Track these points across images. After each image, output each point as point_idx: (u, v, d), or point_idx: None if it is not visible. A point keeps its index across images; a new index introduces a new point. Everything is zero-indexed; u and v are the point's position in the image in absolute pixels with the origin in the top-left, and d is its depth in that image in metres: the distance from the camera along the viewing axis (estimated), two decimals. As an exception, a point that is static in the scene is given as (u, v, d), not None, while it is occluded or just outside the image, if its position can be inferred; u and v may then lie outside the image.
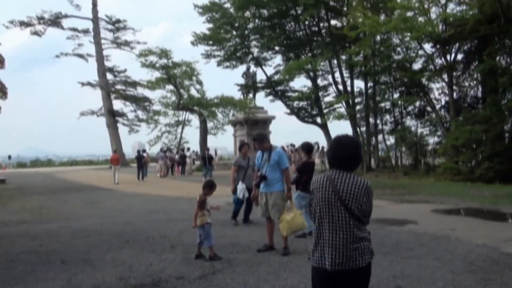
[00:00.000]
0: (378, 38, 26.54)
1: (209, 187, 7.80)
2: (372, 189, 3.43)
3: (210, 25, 34.10)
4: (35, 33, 49.14)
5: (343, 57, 29.76)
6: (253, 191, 8.24)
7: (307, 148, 9.77)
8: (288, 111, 34.16)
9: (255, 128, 40.08)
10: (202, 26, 34.44)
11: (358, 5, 22.45)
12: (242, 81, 39.97)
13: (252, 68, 38.74)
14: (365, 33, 24.46)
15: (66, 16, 50.11)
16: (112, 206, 15.85)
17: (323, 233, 3.35)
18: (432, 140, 27.97)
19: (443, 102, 28.18)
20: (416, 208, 13.65)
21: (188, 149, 35.98)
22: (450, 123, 25.09)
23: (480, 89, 26.36)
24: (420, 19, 23.63)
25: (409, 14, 23.37)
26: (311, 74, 32.52)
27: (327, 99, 33.69)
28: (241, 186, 10.64)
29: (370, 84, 30.52)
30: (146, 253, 8.04)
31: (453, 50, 25.19)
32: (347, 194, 3.27)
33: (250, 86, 38.73)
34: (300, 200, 9.14)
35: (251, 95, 42.48)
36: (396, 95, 29.42)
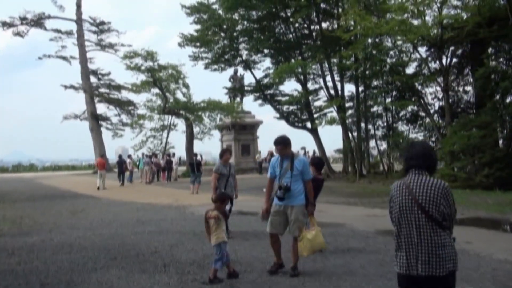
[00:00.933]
0: (369, 41, 25.89)
1: (222, 200, 7.02)
2: (451, 190, 3.33)
3: (198, 27, 33.34)
4: (18, 33, 48.00)
5: (334, 60, 29.15)
6: (264, 203, 7.08)
7: (318, 163, 8.79)
8: (277, 115, 33.42)
9: (243, 133, 39.53)
10: (189, 30, 33.54)
11: (352, 6, 21.78)
12: (229, 84, 39.39)
13: (240, 71, 38.14)
14: (358, 35, 23.88)
15: (49, 17, 49.05)
16: (97, 215, 14.92)
17: (403, 239, 3.33)
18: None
19: (436, 107, 27.72)
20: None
21: (174, 154, 35.07)
22: (446, 128, 24.57)
23: (474, 93, 25.91)
24: (415, 22, 23.10)
25: (404, 16, 22.78)
26: (301, 77, 31.86)
27: (317, 103, 33.18)
28: None
29: (361, 88, 29.91)
30: (136, 274, 7.17)
31: (449, 53, 24.70)
32: (424, 197, 3.24)
33: (237, 89, 38.07)
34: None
35: (238, 99, 41.88)
36: (388, 100, 28.81)
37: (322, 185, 8.38)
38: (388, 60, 27.53)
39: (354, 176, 27.72)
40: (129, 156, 32.42)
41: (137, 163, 32.64)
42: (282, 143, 6.98)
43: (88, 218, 14.37)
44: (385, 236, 9.75)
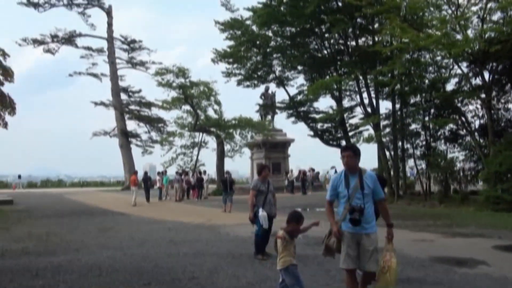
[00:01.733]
0: (408, 56, 24.97)
1: (297, 220, 5.91)
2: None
3: (231, 43, 32.94)
4: (48, 50, 48.50)
5: (370, 76, 28.27)
6: (332, 226, 5.70)
7: (380, 182, 7.70)
8: (311, 133, 32.59)
9: (274, 151, 38.95)
10: (218, 47, 33.45)
11: (392, 20, 20.92)
12: (260, 102, 38.88)
13: (272, 88, 37.69)
14: (398, 50, 22.98)
15: (80, 35, 49.66)
16: (128, 234, 14.22)
17: None
18: (467, 166, 26.09)
19: (476, 125, 26.48)
20: (474, 243, 11.87)
21: (205, 172, 34.53)
22: (488, 147, 23.33)
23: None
24: (457, 36, 22.12)
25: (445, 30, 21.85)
26: (336, 94, 31.04)
27: (352, 121, 32.28)
28: (262, 213, 9.54)
29: (398, 105, 28.82)
30: (174, 303, 6.35)
31: (491, 68, 23.58)
32: None
33: (269, 106, 37.58)
34: None
35: (269, 117, 41.42)
36: (426, 118, 27.68)
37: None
38: (427, 76, 26.51)
39: (391, 197, 26.53)
40: (159, 173, 31.97)
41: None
42: (351, 148, 5.82)
43: (118, 236, 13.68)
44: (442, 264, 8.87)
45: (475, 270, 8.60)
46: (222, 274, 8.06)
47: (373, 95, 28.68)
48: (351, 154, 5.66)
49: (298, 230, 5.90)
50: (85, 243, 12.29)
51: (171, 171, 37.57)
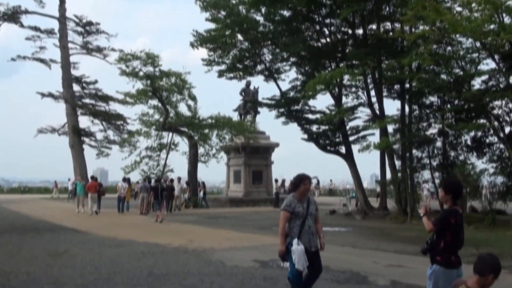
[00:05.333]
0: (434, 46, 23.31)
1: (495, 272, 4.36)
2: None
3: (212, 26, 31.00)
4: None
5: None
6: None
7: (453, 188, 6.05)
8: (305, 136, 30.58)
9: (255, 157, 37.33)
10: (185, 45, 31.51)
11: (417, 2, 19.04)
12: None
13: (254, 84, 35.94)
14: (422, 37, 21.14)
15: (27, 11, 46.79)
16: (88, 261, 11.76)
17: None
18: (500, 180, 24.41)
19: (506, 131, 24.87)
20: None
21: (180, 179, 32.42)
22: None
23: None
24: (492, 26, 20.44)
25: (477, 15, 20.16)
26: (335, 91, 29.15)
27: (353, 123, 30.42)
28: (298, 247, 7.18)
29: (405, 106, 27.06)
30: None
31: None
32: None
33: (251, 104, 35.85)
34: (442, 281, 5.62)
35: (249, 117, 39.59)
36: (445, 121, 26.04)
37: (462, 220, 5.94)
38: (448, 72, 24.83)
39: (403, 215, 24.65)
40: (124, 180, 29.65)
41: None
42: None
43: (76, 266, 11.21)
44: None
45: None
46: None
47: (385, 93, 27.00)
48: None
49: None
50: (31, 277, 9.80)
51: (134, 177, 35.53)
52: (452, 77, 23.47)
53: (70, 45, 49.11)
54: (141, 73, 32.86)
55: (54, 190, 51.39)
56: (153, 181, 29.73)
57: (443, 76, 24.33)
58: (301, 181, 7.56)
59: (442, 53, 23.70)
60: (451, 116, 26.42)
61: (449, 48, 24.51)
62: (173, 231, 19.35)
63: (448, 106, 26.09)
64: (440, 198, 6.70)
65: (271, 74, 32.46)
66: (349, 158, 29.45)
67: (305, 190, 7.55)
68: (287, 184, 37.60)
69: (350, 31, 28.67)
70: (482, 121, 24.60)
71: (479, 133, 25.64)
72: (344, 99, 30.42)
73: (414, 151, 26.71)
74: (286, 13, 29.85)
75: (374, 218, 26.16)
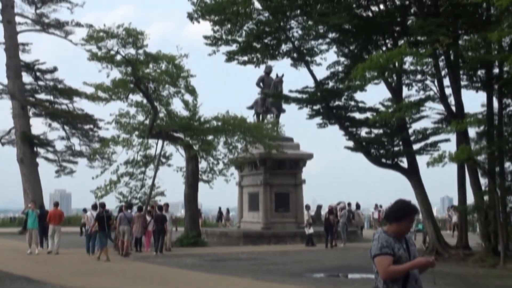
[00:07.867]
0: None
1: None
2: None
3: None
4: None
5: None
6: None
7: None
8: (350, 144, 30.76)
9: (278, 174, 37.68)
10: (179, 16, 31.61)
11: None
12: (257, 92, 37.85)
13: (276, 71, 36.51)
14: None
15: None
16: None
17: None
18: None
19: None
20: None
21: (167, 206, 32.59)
22: None
23: None
24: None
25: None
26: (393, 79, 29.31)
27: (417, 124, 30.76)
28: None
29: (493, 100, 27.70)
30: None
31: None
32: None
33: (275, 95, 36.45)
34: None
35: (269, 117, 40.03)
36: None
37: None
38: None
39: (493, 256, 24.58)
40: (95, 207, 29.92)
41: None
42: None
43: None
44: None
45: None
46: None
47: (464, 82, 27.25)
48: None
49: None
50: None
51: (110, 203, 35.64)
52: None
53: (18, 18, 50.46)
54: (118, 57, 33.12)
55: None
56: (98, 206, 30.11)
57: None
58: (407, 213, 7.40)
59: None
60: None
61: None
62: (164, 279, 19.91)
63: None
64: None
65: (302, 57, 32.89)
66: (413, 174, 29.64)
67: (408, 226, 7.44)
68: (323, 212, 37.65)
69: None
70: None
71: None
72: (405, 91, 30.80)
73: (507, 164, 27.14)
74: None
75: (451, 260, 26.32)
